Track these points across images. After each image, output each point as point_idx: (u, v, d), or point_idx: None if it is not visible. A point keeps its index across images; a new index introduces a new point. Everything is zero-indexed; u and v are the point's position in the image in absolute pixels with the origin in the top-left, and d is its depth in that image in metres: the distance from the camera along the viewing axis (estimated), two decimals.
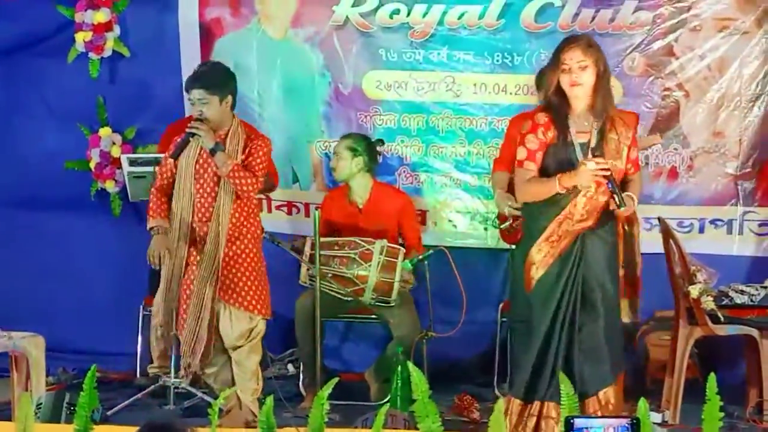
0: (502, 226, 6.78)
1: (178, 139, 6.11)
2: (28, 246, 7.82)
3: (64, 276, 7.76)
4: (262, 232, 6.27)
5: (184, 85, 6.22)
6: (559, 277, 5.52)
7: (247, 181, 6.04)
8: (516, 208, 6.51)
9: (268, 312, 6.19)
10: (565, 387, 4.16)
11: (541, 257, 5.54)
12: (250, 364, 6.17)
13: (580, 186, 5.43)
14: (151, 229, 6.25)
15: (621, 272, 5.67)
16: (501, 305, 7.19)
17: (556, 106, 5.54)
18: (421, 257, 6.81)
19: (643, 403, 4.04)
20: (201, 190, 6.12)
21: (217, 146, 6.00)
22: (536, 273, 5.56)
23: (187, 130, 6.03)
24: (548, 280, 5.55)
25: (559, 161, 5.50)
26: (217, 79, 6.15)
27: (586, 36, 5.70)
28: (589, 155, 5.44)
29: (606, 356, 5.52)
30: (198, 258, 6.11)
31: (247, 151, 6.11)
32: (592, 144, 5.48)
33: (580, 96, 5.49)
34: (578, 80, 5.45)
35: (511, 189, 6.45)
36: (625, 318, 5.76)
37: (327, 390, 4.33)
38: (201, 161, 6.13)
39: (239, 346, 6.13)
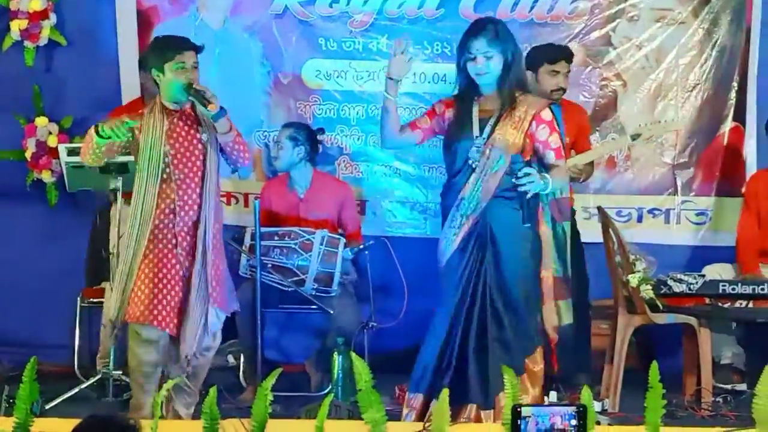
0: None
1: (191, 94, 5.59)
2: None
3: None
4: None
5: (168, 47, 5.66)
6: (458, 266, 5.37)
7: (246, 148, 5.73)
8: None
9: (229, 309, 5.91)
10: (509, 376, 4.16)
11: (446, 244, 5.43)
12: (203, 375, 5.88)
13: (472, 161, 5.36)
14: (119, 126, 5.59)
15: (551, 272, 5.49)
16: None
17: (464, 88, 5.47)
18: (362, 247, 6.82)
19: (586, 391, 4.06)
20: (183, 167, 5.66)
21: (223, 110, 5.55)
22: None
23: (199, 87, 5.55)
24: (448, 270, 5.41)
25: (459, 135, 5.42)
26: (200, 49, 5.77)
27: (495, 22, 5.51)
28: (487, 129, 5.35)
29: (509, 351, 5.30)
30: (174, 242, 5.67)
31: None
32: (491, 121, 5.37)
33: (486, 83, 5.40)
34: (484, 70, 5.36)
35: None
36: (567, 320, 5.57)
37: (270, 381, 4.31)
38: (175, 135, 5.67)
39: (206, 351, 5.81)
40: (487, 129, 5.36)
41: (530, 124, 5.33)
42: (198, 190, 5.68)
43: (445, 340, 5.37)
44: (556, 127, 5.40)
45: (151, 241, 5.65)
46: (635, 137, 6.77)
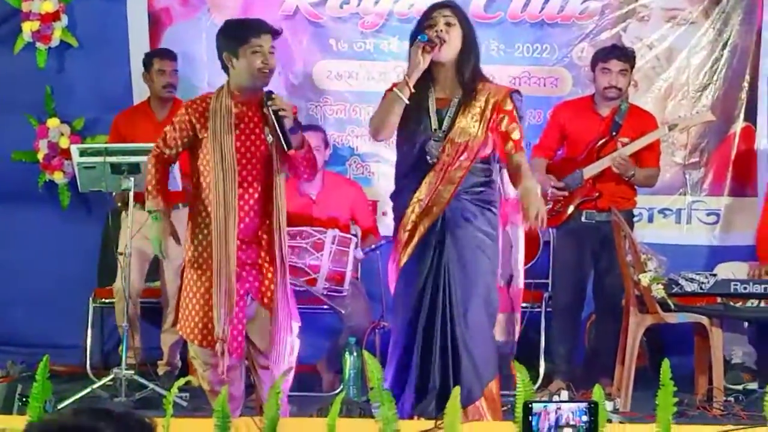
0: None
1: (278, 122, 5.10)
2: None
3: (12, 269, 7.69)
4: None
5: (243, 30, 5.25)
6: (417, 272, 5.01)
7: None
8: (559, 188, 6.66)
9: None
10: (521, 374, 4.17)
11: (400, 248, 5.07)
12: None
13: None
14: (150, 212, 5.32)
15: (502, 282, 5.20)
16: None
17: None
18: (373, 247, 6.82)
19: (598, 389, 4.07)
20: (246, 164, 5.22)
21: (297, 125, 5.20)
22: (396, 268, 5.10)
23: (273, 108, 5.07)
24: (404, 278, 5.06)
25: (414, 128, 5.03)
26: (279, 33, 5.38)
27: (456, 5, 5.16)
28: (446, 122, 4.99)
29: (472, 366, 4.98)
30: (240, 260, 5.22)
31: None
32: (450, 113, 5.01)
33: (444, 59, 5.00)
34: (443, 36, 4.95)
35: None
36: (499, 336, 5.25)
37: (281, 380, 4.34)
38: (240, 129, 5.23)
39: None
40: (447, 121, 5.01)
41: (492, 115, 4.99)
42: (257, 195, 5.25)
43: (406, 354, 5.01)
44: (516, 117, 5.02)
45: (205, 249, 5.24)
46: (672, 127, 6.79)
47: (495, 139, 5.04)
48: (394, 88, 5.01)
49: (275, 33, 5.28)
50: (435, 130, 5.03)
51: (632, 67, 6.83)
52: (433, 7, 5.08)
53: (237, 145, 5.20)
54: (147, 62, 7.18)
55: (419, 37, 4.95)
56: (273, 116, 5.11)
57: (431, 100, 5.06)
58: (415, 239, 5.01)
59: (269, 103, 5.11)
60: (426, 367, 5.00)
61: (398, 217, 5.12)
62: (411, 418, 4.94)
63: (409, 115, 5.03)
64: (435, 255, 4.99)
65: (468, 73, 5.03)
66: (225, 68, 5.32)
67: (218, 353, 5.21)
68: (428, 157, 5.01)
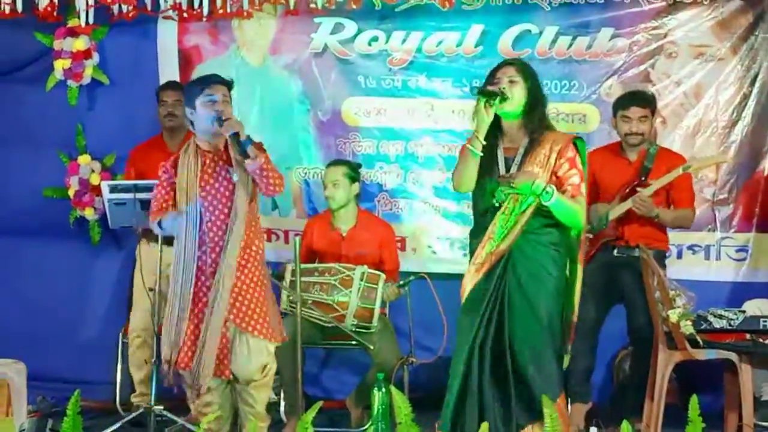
0: None
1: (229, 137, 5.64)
2: (6, 274, 7.81)
3: (43, 304, 7.74)
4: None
5: (194, 86, 5.86)
6: (480, 300, 5.40)
7: (277, 175, 5.68)
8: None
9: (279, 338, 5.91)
10: (548, 409, 4.16)
11: (468, 280, 5.49)
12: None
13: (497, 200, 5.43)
14: (161, 222, 5.80)
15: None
16: None
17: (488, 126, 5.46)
18: (402, 283, 6.83)
19: (625, 425, 4.06)
20: (213, 209, 5.73)
21: (250, 139, 5.59)
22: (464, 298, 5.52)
23: (226, 127, 5.58)
24: (469, 305, 5.46)
25: (485, 174, 5.47)
26: (230, 84, 5.88)
27: (522, 61, 5.72)
28: (513, 169, 5.43)
29: (534, 387, 5.31)
30: (207, 283, 5.72)
31: None
32: (517, 160, 5.45)
33: (509, 112, 5.46)
34: (507, 93, 5.42)
35: None
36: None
37: (311, 414, 4.33)
38: (206, 177, 5.76)
39: (254, 381, 5.84)
40: (513, 169, 5.42)
41: (555, 161, 5.40)
42: (220, 231, 5.71)
43: (465, 376, 5.37)
44: (578, 163, 5.44)
45: (195, 284, 5.71)
46: (686, 168, 6.78)
47: (555, 183, 5.38)
48: (468, 144, 5.46)
49: (227, 84, 5.79)
50: (502, 176, 5.43)
51: (653, 110, 6.87)
52: (499, 66, 5.56)
53: (202, 185, 5.70)
54: (157, 97, 7.37)
55: (499, 98, 5.40)
56: (230, 138, 5.62)
57: (500, 149, 5.49)
58: (482, 272, 5.42)
59: (222, 126, 5.60)
60: (485, 389, 5.35)
61: (471, 252, 5.54)
62: None
63: (482, 162, 5.45)
64: (498, 285, 5.41)
65: (533, 124, 5.45)
66: (191, 122, 5.82)
67: (163, 373, 5.75)
68: (495, 201, 5.43)
